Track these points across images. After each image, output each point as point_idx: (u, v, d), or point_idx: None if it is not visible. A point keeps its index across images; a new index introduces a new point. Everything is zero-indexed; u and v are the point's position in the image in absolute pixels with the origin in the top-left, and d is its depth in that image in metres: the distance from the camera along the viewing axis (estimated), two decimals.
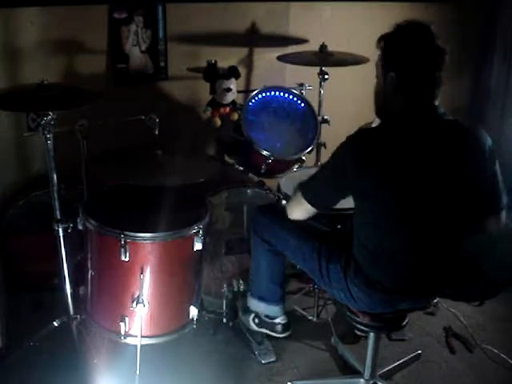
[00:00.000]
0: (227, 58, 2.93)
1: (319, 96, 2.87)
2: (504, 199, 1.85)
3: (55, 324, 2.27)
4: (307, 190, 1.87)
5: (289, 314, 2.32)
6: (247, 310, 2.32)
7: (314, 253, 1.94)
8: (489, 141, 1.77)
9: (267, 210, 2.16)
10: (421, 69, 1.68)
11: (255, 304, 2.25)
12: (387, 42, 1.72)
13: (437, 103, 1.72)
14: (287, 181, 2.50)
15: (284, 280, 2.24)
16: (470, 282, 2.76)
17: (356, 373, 2.24)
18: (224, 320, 2.41)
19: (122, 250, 1.97)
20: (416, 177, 1.69)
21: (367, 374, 2.14)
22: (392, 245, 1.77)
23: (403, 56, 1.69)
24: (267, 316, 2.27)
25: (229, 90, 2.64)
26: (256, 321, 2.30)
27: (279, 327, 2.26)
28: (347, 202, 1.85)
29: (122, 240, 1.96)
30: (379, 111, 1.82)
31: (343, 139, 1.75)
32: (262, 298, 2.23)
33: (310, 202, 1.86)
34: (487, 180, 1.78)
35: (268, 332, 2.29)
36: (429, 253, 1.79)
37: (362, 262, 1.81)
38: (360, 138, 1.72)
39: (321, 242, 1.96)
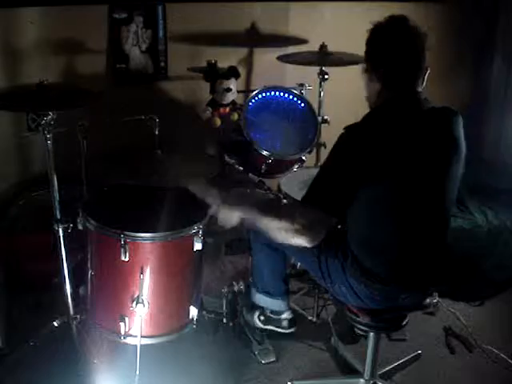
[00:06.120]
0: (227, 58, 2.93)
1: (319, 96, 2.87)
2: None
3: (55, 324, 2.27)
4: (315, 197, 1.75)
5: None
6: (252, 308, 2.33)
7: (312, 251, 1.94)
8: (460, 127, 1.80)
9: None
10: (401, 62, 1.71)
11: (260, 298, 2.26)
12: (367, 43, 1.77)
13: (420, 89, 1.74)
14: (287, 181, 2.50)
15: (286, 275, 2.25)
16: (470, 282, 2.77)
17: (356, 373, 2.24)
18: (224, 320, 2.41)
19: (122, 250, 1.97)
20: (407, 166, 1.70)
21: (367, 374, 2.14)
22: (385, 235, 1.79)
23: (383, 53, 1.73)
24: (273, 312, 2.27)
25: (229, 90, 2.64)
26: (261, 318, 2.31)
27: (285, 323, 2.27)
28: None
29: (122, 240, 1.96)
30: (370, 104, 1.85)
31: None
32: (266, 293, 2.24)
33: (322, 207, 1.72)
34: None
35: (274, 328, 2.29)
36: (421, 242, 1.81)
37: (359, 254, 1.83)
38: (349, 133, 1.74)
39: None
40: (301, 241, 1.74)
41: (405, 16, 1.73)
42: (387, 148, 1.68)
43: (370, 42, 1.76)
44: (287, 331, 2.28)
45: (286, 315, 2.26)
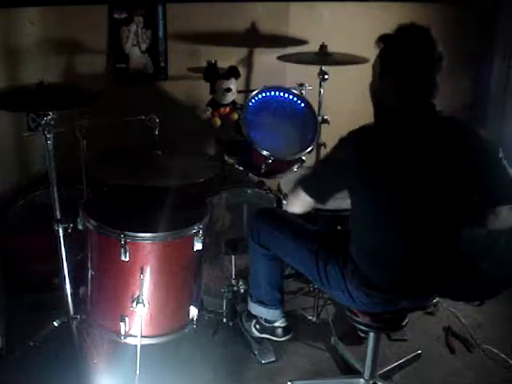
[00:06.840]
0: (227, 58, 2.93)
1: (319, 96, 2.87)
2: (503, 194, 1.80)
3: (55, 324, 2.27)
4: (307, 184, 1.91)
5: (289, 313, 2.32)
6: (249, 317, 2.35)
7: (311, 255, 1.95)
8: (486, 138, 1.76)
9: (264, 214, 2.17)
10: (419, 73, 1.70)
11: (254, 308, 2.28)
12: (387, 44, 1.73)
13: (435, 102, 1.72)
14: (287, 181, 2.50)
15: (282, 284, 2.25)
16: (470, 282, 2.76)
17: (356, 373, 2.24)
18: (224, 320, 2.41)
19: (122, 250, 1.97)
20: (413, 175, 1.69)
21: (367, 374, 2.14)
22: (389, 245, 1.78)
23: (402, 60, 1.70)
24: (266, 320, 2.29)
25: (229, 90, 2.64)
26: (257, 326, 2.33)
27: (279, 331, 2.28)
28: (347, 203, 1.85)
29: (122, 240, 1.96)
30: (375, 108, 1.83)
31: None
32: (260, 302, 2.25)
33: (309, 194, 1.89)
34: (484, 176, 1.76)
35: (269, 337, 2.32)
36: (426, 252, 1.80)
37: (360, 263, 1.82)
38: (360, 135, 1.72)
39: (318, 244, 1.96)
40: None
41: (427, 26, 1.69)
42: (395, 155, 1.67)
43: (386, 47, 1.72)
44: (281, 339, 2.30)
45: (279, 323, 2.27)
